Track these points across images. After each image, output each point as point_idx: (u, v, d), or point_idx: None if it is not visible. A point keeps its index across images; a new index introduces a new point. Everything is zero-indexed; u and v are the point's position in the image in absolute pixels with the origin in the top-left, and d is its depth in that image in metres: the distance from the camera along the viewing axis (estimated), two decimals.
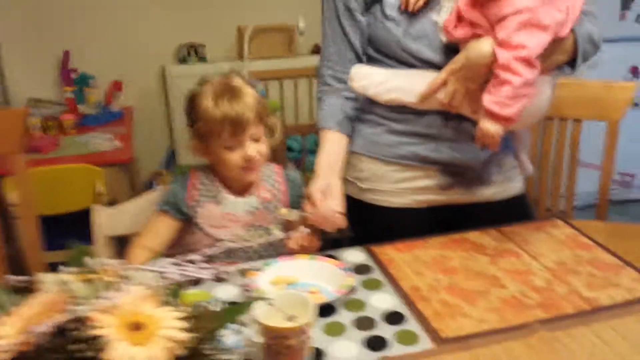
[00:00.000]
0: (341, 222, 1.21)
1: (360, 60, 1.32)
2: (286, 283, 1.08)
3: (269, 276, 1.09)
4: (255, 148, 1.23)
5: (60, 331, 0.47)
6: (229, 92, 1.21)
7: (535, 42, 1.07)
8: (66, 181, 2.13)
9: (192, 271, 0.53)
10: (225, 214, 1.27)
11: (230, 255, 1.12)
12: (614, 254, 1.21)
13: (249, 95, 1.22)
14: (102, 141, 2.48)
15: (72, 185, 2.15)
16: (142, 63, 3.09)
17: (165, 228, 1.27)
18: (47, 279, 0.52)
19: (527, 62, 1.07)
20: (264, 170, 1.32)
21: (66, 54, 2.86)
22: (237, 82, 1.24)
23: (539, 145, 1.67)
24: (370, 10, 1.26)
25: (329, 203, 1.20)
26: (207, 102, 1.20)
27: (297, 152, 2.94)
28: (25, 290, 0.54)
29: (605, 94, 1.58)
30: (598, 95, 1.59)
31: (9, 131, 1.31)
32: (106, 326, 0.48)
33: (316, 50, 3.23)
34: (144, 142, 3.06)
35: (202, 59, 3.11)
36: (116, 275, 0.53)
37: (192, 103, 1.25)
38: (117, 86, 2.92)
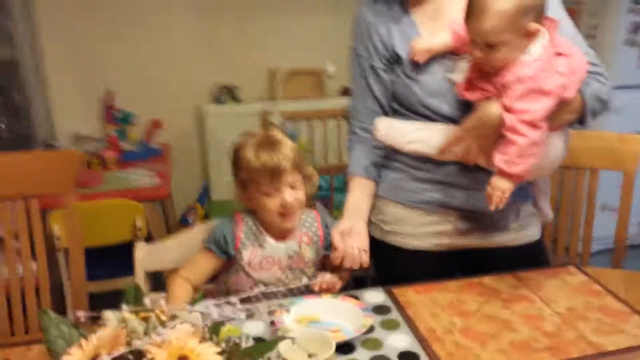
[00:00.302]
0: (364, 259, 1.29)
1: (385, 113, 1.42)
2: (310, 321, 1.17)
3: (295, 314, 1.18)
4: (292, 195, 1.30)
5: None
6: (268, 143, 1.30)
7: (538, 106, 1.15)
8: (108, 216, 2.26)
9: (229, 311, 0.62)
10: (267, 257, 1.35)
11: (265, 297, 1.22)
12: (623, 302, 1.27)
13: (287, 146, 1.31)
14: (142, 177, 2.62)
15: (113, 219, 2.28)
16: (180, 103, 3.27)
17: (207, 265, 1.37)
18: (110, 317, 0.62)
19: (532, 124, 1.15)
20: (304, 216, 1.40)
21: (109, 93, 3.04)
22: (277, 134, 1.35)
23: (559, 193, 1.74)
24: (392, 69, 1.37)
25: (352, 242, 1.29)
26: (249, 153, 1.29)
27: (325, 191, 3.04)
28: (90, 323, 0.64)
29: (621, 146, 1.65)
30: (614, 146, 1.66)
31: (65, 171, 1.45)
32: (158, 358, 0.58)
33: (344, 92, 3.36)
34: (179, 178, 3.20)
35: (236, 99, 3.27)
36: (167, 314, 0.63)
37: (236, 154, 1.34)
38: (156, 124, 3.09)
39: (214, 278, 1.42)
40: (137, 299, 0.65)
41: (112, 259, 2.49)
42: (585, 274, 1.39)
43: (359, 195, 1.41)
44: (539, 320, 1.20)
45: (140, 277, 1.48)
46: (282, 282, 1.34)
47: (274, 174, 1.28)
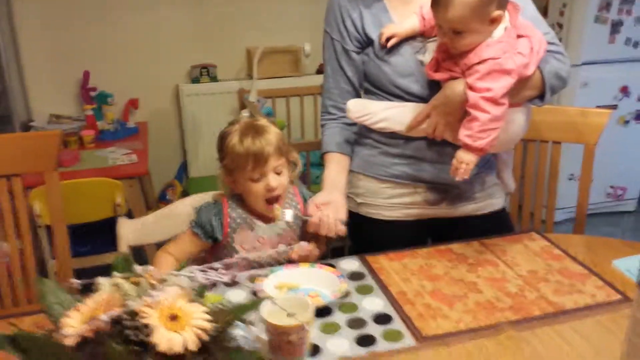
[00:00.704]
0: (340, 228, 1.36)
1: (357, 93, 1.49)
2: (289, 288, 1.24)
3: (274, 282, 1.25)
4: (277, 180, 1.35)
5: (117, 321, 0.63)
6: (253, 130, 1.34)
7: (499, 85, 1.22)
8: (88, 193, 2.29)
9: (214, 276, 0.68)
10: (258, 238, 1.41)
11: (247, 266, 1.29)
12: (582, 264, 1.36)
13: (271, 132, 1.35)
14: (119, 155, 2.65)
15: (93, 197, 2.32)
16: (157, 82, 3.28)
17: (191, 246, 1.41)
18: (104, 282, 0.68)
19: (493, 101, 1.22)
20: (285, 197, 1.44)
21: (86, 74, 3.04)
22: (261, 121, 1.39)
23: (523, 164, 1.82)
24: (364, 50, 1.43)
25: (327, 211, 1.35)
26: (234, 139, 1.33)
27: (302, 166, 3.10)
28: (84, 291, 0.69)
29: (583, 120, 1.73)
30: (576, 120, 1.74)
31: (46, 151, 1.48)
32: (151, 317, 0.64)
33: (321, 70, 3.40)
34: (158, 155, 3.23)
35: (213, 78, 3.29)
36: (157, 279, 0.69)
37: (222, 141, 1.38)
38: (133, 104, 3.10)
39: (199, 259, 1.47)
40: (126, 268, 0.71)
41: (94, 236, 2.53)
42: (547, 239, 1.48)
43: (335, 170, 1.48)
44: (502, 282, 1.29)
45: (124, 251, 1.53)
46: (273, 258, 1.39)
47: (258, 159, 1.31)
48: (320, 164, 3.19)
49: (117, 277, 0.68)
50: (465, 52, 1.24)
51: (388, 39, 1.36)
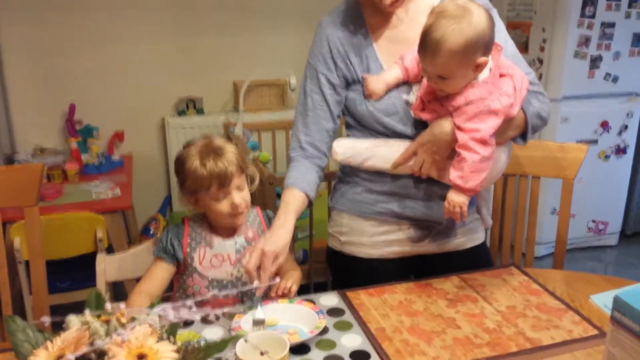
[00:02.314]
0: (289, 285, 1.35)
1: (334, 130, 1.47)
2: (268, 325, 1.23)
3: (252, 318, 1.24)
4: (240, 196, 1.38)
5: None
6: (212, 151, 1.36)
7: (487, 125, 1.24)
8: (69, 228, 2.28)
9: (185, 314, 0.68)
10: (216, 255, 1.42)
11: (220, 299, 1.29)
12: (559, 299, 1.37)
13: (230, 152, 1.38)
14: (103, 189, 2.64)
15: (74, 231, 2.30)
16: (143, 115, 3.30)
17: (161, 272, 1.42)
18: (74, 320, 0.68)
19: (482, 141, 1.24)
20: (248, 213, 1.47)
21: (72, 107, 3.05)
22: (218, 141, 1.41)
23: (503, 199, 1.84)
24: (350, 87, 1.44)
25: (264, 277, 1.25)
26: (195, 163, 1.35)
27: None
28: (57, 329, 0.69)
29: (562, 154, 1.76)
30: (555, 155, 1.77)
31: (27, 186, 1.47)
32: (119, 356, 0.63)
33: None
34: (142, 189, 3.23)
35: (199, 111, 3.31)
36: (127, 317, 0.69)
37: (181, 165, 1.39)
38: (119, 136, 3.11)
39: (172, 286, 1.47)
40: (98, 305, 0.70)
41: (74, 271, 2.51)
42: (526, 274, 1.49)
43: (293, 214, 1.36)
44: (481, 317, 1.29)
45: (101, 287, 1.51)
46: (234, 276, 1.41)
47: (222, 180, 1.34)
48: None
49: (87, 316, 0.68)
50: (452, 94, 1.26)
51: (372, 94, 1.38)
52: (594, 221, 3.58)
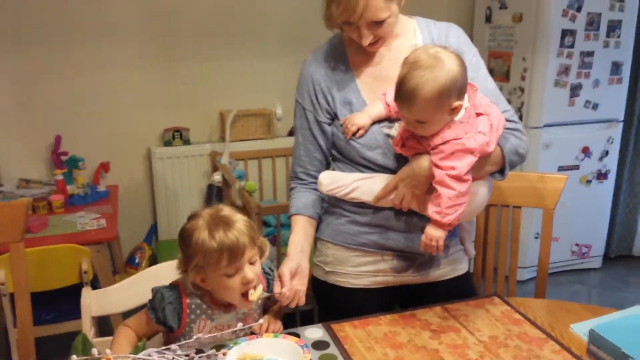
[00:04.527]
0: (302, 300, 1.38)
1: (326, 160, 1.54)
2: (252, 359, 1.23)
3: (237, 353, 1.25)
4: (252, 270, 1.26)
5: None
6: (221, 221, 1.24)
7: (463, 163, 1.28)
8: (54, 260, 2.27)
9: (170, 357, 0.69)
10: (216, 326, 1.34)
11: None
12: (541, 329, 1.39)
13: (240, 221, 1.26)
14: (88, 220, 2.63)
15: (59, 264, 2.29)
16: (129, 145, 3.31)
17: (147, 328, 1.35)
18: None
19: (458, 178, 1.28)
20: None
21: (57, 138, 3.06)
22: (227, 210, 1.29)
23: (485, 229, 1.87)
24: (334, 123, 1.48)
25: (295, 283, 1.37)
26: (203, 235, 1.22)
27: (273, 227, 3.12)
28: None
29: (542, 185, 1.80)
30: (535, 185, 1.80)
31: (12, 222, 1.48)
32: None
33: (292, 132, 3.47)
34: (127, 218, 3.23)
35: (186, 141, 3.33)
36: None
37: (187, 239, 1.26)
38: (104, 167, 3.11)
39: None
40: (85, 349, 0.71)
41: (59, 303, 2.49)
42: (507, 303, 1.51)
43: (302, 234, 1.49)
44: (464, 348, 1.30)
45: (86, 323, 1.51)
46: (233, 336, 1.33)
47: (234, 253, 1.22)
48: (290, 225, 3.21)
49: None
50: (429, 136, 1.30)
51: (354, 133, 1.41)
52: (577, 244, 3.62)
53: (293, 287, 1.35)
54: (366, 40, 1.36)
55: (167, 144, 3.31)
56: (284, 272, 1.37)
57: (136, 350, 0.73)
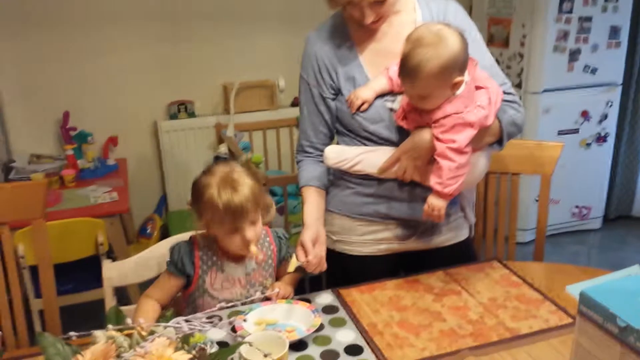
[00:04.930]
0: (324, 266, 1.46)
1: (331, 133, 1.60)
2: (267, 324, 1.33)
3: (254, 318, 1.34)
4: (253, 230, 1.40)
5: None
6: (230, 185, 1.38)
7: (463, 136, 1.34)
8: (71, 233, 2.36)
9: (198, 325, 0.77)
10: (227, 278, 1.48)
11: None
12: (537, 290, 1.48)
13: (246, 185, 1.39)
14: (101, 194, 2.72)
15: (75, 236, 2.38)
16: (136, 119, 3.37)
17: (171, 285, 1.48)
18: (100, 335, 0.77)
19: (458, 151, 1.34)
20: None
21: (66, 114, 3.12)
22: (237, 173, 1.42)
23: (484, 196, 1.94)
24: (338, 97, 1.54)
25: (317, 250, 1.44)
26: (213, 194, 1.37)
27: (279, 196, 3.20)
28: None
29: (539, 152, 1.86)
30: (533, 153, 1.87)
31: (33, 200, 1.56)
32: None
33: (295, 103, 3.52)
34: (137, 190, 3.31)
35: (191, 114, 3.38)
36: (147, 331, 0.78)
37: (198, 192, 1.41)
38: (113, 141, 3.18)
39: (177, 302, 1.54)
40: (118, 320, 0.79)
41: (75, 274, 2.59)
42: (507, 267, 1.60)
43: (315, 204, 1.56)
44: (465, 310, 1.39)
45: (109, 293, 1.60)
46: (244, 296, 1.47)
47: (237, 215, 1.36)
48: (297, 195, 3.31)
49: (111, 330, 0.77)
50: (430, 110, 1.36)
51: (359, 107, 1.47)
52: (577, 206, 3.71)
53: (317, 254, 1.43)
54: (369, 20, 1.41)
55: (173, 117, 3.37)
56: (306, 240, 1.44)
57: (165, 319, 0.81)
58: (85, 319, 1.46)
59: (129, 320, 0.79)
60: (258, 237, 1.45)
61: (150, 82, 3.36)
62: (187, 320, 0.78)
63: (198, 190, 1.42)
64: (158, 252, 1.64)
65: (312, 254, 1.42)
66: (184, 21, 3.34)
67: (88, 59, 3.22)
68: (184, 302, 1.53)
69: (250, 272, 1.49)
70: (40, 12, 3.09)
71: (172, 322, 0.78)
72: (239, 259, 1.48)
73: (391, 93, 1.47)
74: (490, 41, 3.58)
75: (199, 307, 1.49)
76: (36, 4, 3.07)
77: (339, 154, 1.52)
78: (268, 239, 1.56)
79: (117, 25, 3.23)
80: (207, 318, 0.82)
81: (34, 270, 2.19)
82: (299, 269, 1.48)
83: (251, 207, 1.39)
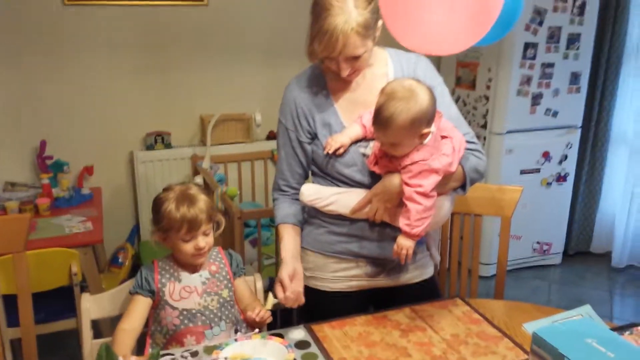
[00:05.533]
0: (302, 300, 1.55)
1: (306, 173, 1.69)
2: (242, 358, 1.39)
3: (229, 353, 1.40)
4: (205, 240, 1.58)
5: None
6: (187, 198, 1.56)
7: (429, 181, 1.45)
8: (45, 263, 2.36)
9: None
10: (184, 287, 1.59)
11: (194, 321, 1.54)
12: (497, 328, 1.57)
13: (202, 201, 1.58)
14: (75, 223, 2.73)
15: (50, 266, 2.38)
16: (112, 149, 3.41)
17: (139, 307, 1.58)
18: None
19: (425, 195, 1.45)
20: (210, 252, 1.67)
21: (43, 143, 3.14)
22: (194, 190, 1.61)
23: (449, 236, 2.05)
24: (314, 142, 1.64)
25: (294, 285, 1.53)
26: (171, 206, 1.55)
27: (253, 228, 3.27)
28: None
29: (500, 195, 1.98)
30: (495, 196, 1.99)
31: (16, 234, 1.60)
32: None
33: (271, 136, 3.61)
34: (110, 219, 3.32)
35: (167, 145, 3.44)
36: None
37: (158, 206, 1.59)
38: (88, 170, 3.21)
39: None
40: (110, 358, 0.85)
41: (47, 303, 2.58)
42: (468, 304, 1.70)
43: (292, 241, 1.65)
44: (429, 346, 1.48)
45: (86, 325, 1.65)
46: (202, 306, 1.58)
47: (192, 225, 1.54)
48: (270, 226, 3.37)
49: None
50: (399, 157, 1.47)
51: (336, 150, 1.56)
52: (538, 242, 3.86)
53: (295, 290, 1.53)
54: (344, 72, 1.52)
55: (149, 147, 3.42)
56: (284, 277, 1.53)
57: (155, 357, 0.88)
58: (56, 347, 1.50)
59: (121, 359, 0.85)
60: (209, 247, 1.61)
61: (127, 112, 3.41)
62: (165, 354, 0.84)
63: (158, 204, 1.59)
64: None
65: (289, 289, 1.51)
66: (163, 53, 3.42)
67: (67, 88, 3.26)
68: (150, 318, 1.62)
69: (205, 281, 1.61)
70: (20, 42, 3.13)
71: None
72: (193, 269, 1.62)
73: (364, 139, 1.58)
74: (457, 83, 3.75)
75: (162, 319, 1.59)
76: (16, 33, 3.11)
77: (314, 193, 1.61)
78: (220, 254, 1.69)
79: (96, 56, 3.28)
80: (184, 352, 0.88)
81: (3, 298, 2.21)
82: (277, 305, 1.56)
83: (205, 218, 1.56)
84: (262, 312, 1.57)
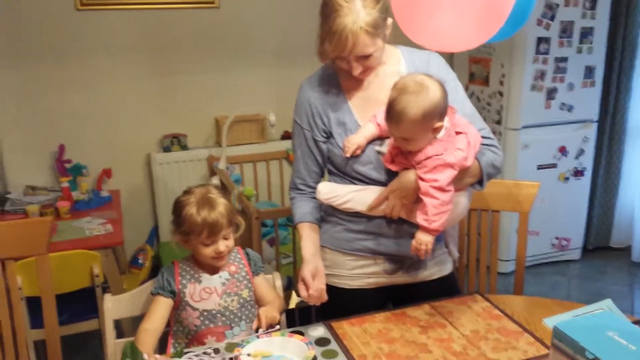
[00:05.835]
0: (325, 297, 1.57)
1: (322, 172, 1.71)
2: (263, 356, 1.40)
3: (250, 350, 1.41)
4: (225, 244, 1.59)
5: None
6: (207, 203, 1.57)
7: (444, 176, 1.45)
8: (67, 265, 2.41)
9: (206, 358, 0.85)
10: (204, 288, 1.61)
11: (215, 321, 1.56)
12: (517, 323, 1.57)
13: (222, 205, 1.59)
14: (95, 226, 2.77)
15: (72, 269, 2.43)
16: (129, 152, 3.45)
17: (161, 308, 1.59)
18: None
19: (441, 189, 1.46)
20: (229, 253, 1.67)
21: (61, 147, 3.19)
22: (214, 194, 1.62)
23: (467, 232, 2.05)
24: (329, 140, 1.65)
25: (316, 283, 1.56)
26: (192, 211, 1.56)
27: (270, 227, 3.29)
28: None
29: (517, 191, 1.98)
30: (512, 192, 1.98)
31: (39, 237, 1.63)
32: None
33: (286, 136, 3.63)
34: (129, 220, 3.37)
35: (183, 147, 3.47)
36: None
37: (179, 209, 1.60)
38: (107, 173, 3.25)
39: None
40: (134, 356, 0.87)
41: (68, 304, 2.62)
42: (488, 300, 1.69)
43: (311, 239, 1.68)
44: (449, 342, 1.48)
45: (109, 325, 1.67)
46: (222, 307, 1.59)
47: (212, 229, 1.55)
48: (287, 225, 3.38)
49: None
50: (414, 151, 1.47)
51: (354, 150, 1.57)
52: (557, 238, 3.83)
53: (318, 288, 1.55)
54: (356, 71, 1.53)
55: (166, 149, 3.45)
56: (306, 275, 1.56)
57: (178, 355, 0.89)
58: (79, 348, 1.53)
59: (145, 356, 0.87)
60: (229, 250, 1.62)
61: (144, 115, 3.45)
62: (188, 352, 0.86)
63: (179, 208, 1.60)
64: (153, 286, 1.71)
65: (312, 288, 1.53)
66: (176, 56, 3.45)
67: (83, 92, 3.31)
68: (171, 319, 1.63)
69: (225, 282, 1.62)
70: (37, 46, 3.18)
71: (184, 358, 0.86)
72: (214, 270, 1.63)
73: (379, 138, 1.58)
74: (470, 79, 3.74)
75: (183, 319, 1.60)
76: (32, 37, 3.16)
77: (331, 191, 1.63)
78: (239, 255, 1.70)
79: (113, 59, 3.33)
80: (207, 349, 0.89)
81: (28, 301, 2.25)
82: (301, 303, 1.57)
83: (225, 222, 1.57)
84: (263, 321, 1.54)
